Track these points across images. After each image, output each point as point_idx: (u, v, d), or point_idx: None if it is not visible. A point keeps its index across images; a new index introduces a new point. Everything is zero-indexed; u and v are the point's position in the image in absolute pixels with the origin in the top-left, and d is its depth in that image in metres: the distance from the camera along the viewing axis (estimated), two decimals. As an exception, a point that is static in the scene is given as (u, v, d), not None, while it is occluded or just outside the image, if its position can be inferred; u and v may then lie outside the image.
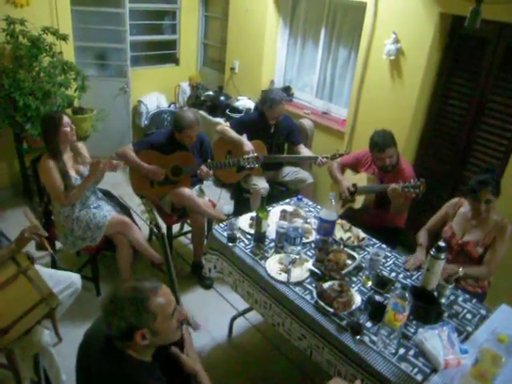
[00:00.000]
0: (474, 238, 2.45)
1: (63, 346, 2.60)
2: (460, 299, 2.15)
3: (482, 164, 3.26)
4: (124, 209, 3.24)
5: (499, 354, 1.57)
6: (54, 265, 3.09)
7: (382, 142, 2.83)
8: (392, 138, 2.86)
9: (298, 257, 2.31)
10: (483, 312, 2.07)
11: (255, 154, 3.34)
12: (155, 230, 1.92)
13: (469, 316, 2.05)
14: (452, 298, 2.15)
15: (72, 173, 2.83)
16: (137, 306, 1.34)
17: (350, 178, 3.13)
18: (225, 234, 2.49)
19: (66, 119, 2.78)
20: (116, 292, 1.39)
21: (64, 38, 3.77)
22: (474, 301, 2.16)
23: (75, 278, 2.52)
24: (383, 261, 2.35)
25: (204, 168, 3.24)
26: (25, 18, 3.59)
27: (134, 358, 1.40)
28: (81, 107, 4.24)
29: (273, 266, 2.27)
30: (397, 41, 3.37)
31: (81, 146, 3.01)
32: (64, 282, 2.43)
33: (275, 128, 3.67)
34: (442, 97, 3.43)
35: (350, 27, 4.02)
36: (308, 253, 2.43)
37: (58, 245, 3.07)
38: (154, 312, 1.36)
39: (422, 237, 2.65)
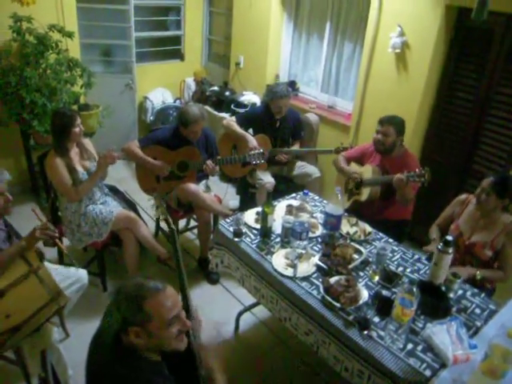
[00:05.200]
0: (481, 240, 2.40)
1: (70, 341, 2.63)
2: (468, 294, 2.13)
3: (489, 157, 3.23)
4: (130, 204, 3.25)
5: (509, 350, 1.56)
6: (60, 260, 3.11)
7: (386, 117, 2.88)
8: (397, 122, 2.85)
9: (304, 251, 2.31)
10: (492, 307, 2.05)
11: (261, 150, 3.33)
12: (166, 225, 1.90)
13: (477, 311, 2.03)
14: (460, 292, 2.13)
15: (79, 168, 2.84)
16: (132, 303, 1.33)
17: (355, 171, 3.11)
18: (231, 229, 2.49)
19: (78, 119, 2.78)
20: (122, 285, 1.39)
21: (70, 35, 3.77)
22: (483, 295, 2.14)
23: (82, 274, 2.53)
24: (390, 255, 2.34)
25: (210, 163, 3.23)
26: (31, 15, 3.60)
27: (142, 355, 1.38)
28: (87, 104, 4.25)
29: (279, 260, 2.26)
30: (402, 34, 3.33)
31: (87, 142, 3.02)
32: (71, 277, 2.45)
33: (281, 123, 3.66)
34: (448, 89, 3.40)
35: (354, 21, 3.99)
36: (314, 247, 2.42)
37: (65, 241, 3.08)
38: (148, 313, 1.33)
39: (434, 232, 2.65)
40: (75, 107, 4.06)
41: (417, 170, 2.62)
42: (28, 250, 2.12)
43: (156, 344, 1.39)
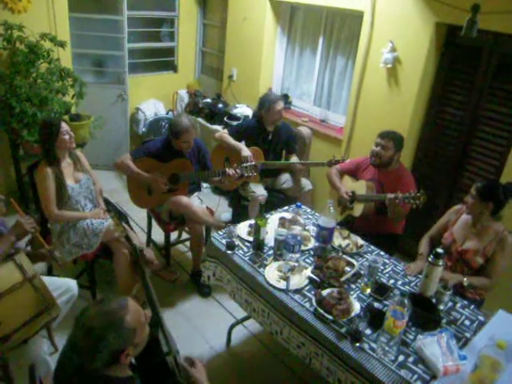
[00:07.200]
0: (473, 247, 2.43)
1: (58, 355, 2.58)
2: (458, 305, 2.16)
3: (478, 171, 3.28)
4: (121, 215, 3.22)
5: (498, 360, 1.57)
6: (49, 272, 3.07)
7: (386, 131, 2.93)
8: (398, 137, 2.91)
9: (296, 264, 2.31)
10: (481, 318, 2.08)
11: (253, 162, 3.34)
12: (128, 242, 1.88)
13: (467, 322, 2.05)
14: (450, 304, 2.15)
15: (69, 181, 2.80)
16: (116, 331, 1.31)
17: (348, 186, 3.13)
18: (223, 241, 2.49)
19: (64, 126, 2.74)
20: (86, 324, 1.32)
21: (62, 44, 3.77)
22: (472, 307, 2.16)
23: (72, 284, 2.50)
24: (382, 268, 2.35)
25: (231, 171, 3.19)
26: (22, 23, 3.59)
27: (114, 377, 1.37)
28: (78, 114, 4.24)
29: (272, 273, 2.26)
30: (393, 49, 3.40)
31: (79, 153, 3.00)
32: (61, 287, 2.41)
33: (273, 135, 3.69)
34: (438, 105, 3.46)
35: (347, 36, 4.05)
36: (307, 260, 2.43)
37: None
38: (132, 328, 1.35)
39: (424, 245, 2.65)
40: (66, 117, 4.05)
41: (411, 192, 2.66)
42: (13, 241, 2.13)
43: (139, 349, 1.42)
